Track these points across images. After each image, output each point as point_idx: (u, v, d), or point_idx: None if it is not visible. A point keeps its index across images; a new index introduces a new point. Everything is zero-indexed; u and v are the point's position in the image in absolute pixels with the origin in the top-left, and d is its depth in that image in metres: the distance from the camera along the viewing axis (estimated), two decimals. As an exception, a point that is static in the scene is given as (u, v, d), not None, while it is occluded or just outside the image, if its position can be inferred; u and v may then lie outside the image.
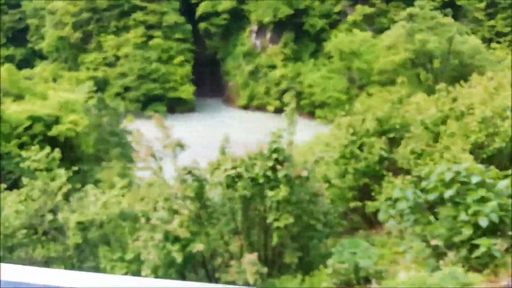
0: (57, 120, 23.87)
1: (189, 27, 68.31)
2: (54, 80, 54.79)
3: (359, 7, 57.41)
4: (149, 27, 65.82)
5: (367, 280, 7.66)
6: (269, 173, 7.01)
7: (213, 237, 7.29)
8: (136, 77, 62.13)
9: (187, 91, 64.32)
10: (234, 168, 7.15)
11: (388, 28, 56.74)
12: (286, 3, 59.31)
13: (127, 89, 62.64)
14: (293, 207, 7.13)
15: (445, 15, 34.17)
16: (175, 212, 7.18)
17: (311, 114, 62.34)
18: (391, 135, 11.54)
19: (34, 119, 22.78)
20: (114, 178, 13.61)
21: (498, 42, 55.10)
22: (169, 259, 6.63)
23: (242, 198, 7.52)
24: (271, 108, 63.88)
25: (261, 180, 6.98)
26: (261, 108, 66.17)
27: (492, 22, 55.41)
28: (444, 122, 11.44)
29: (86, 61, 66.18)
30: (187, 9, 70.18)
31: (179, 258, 6.63)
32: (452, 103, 11.74)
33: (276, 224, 7.01)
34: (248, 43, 67.19)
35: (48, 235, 9.68)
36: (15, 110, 22.34)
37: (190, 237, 6.74)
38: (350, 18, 58.02)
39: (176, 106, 65.60)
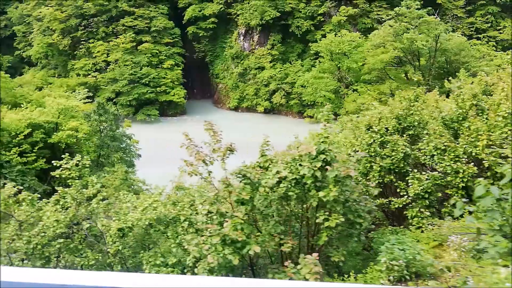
0: (56, 127, 24.72)
1: (177, 31, 69.20)
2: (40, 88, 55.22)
3: (342, 8, 58.90)
4: (138, 32, 66.55)
5: (418, 276, 7.88)
6: (318, 173, 7.08)
7: (263, 238, 7.46)
8: (127, 81, 62.74)
9: (178, 94, 65.17)
10: (282, 170, 7.32)
11: (371, 28, 58.60)
12: (272, 6, 60.50)
13: (118, 93, 63.22)
14: (341, 206, 7.36)
15: (430, 14, 35.71)
16: (223, 215, 7.52)
17: (300, 113, 64.02)
18: (410, 132, 11.85)
19: (34, 126, 23.58)
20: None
21: (478, 38, 57.13)
22: (225, 261, 6.90)
23: (285, 199, 7.69)
24: (261, 108, 65.21)
25: (309, 181, 7.11)
26: (251, 109, 67.41)
27: (471, 19, 57.39)
28: (464, 118, 11.76)
29: (76, 67, 66.63)
30: (175, 14, 71.05)
31: (235, 260, 6.92)
32: (472, 100, 11.86)
33: (326, 223, 7.21)
34: (236, 45, 68.31)
35: (83, 243, 9.99)
36: (14, 118, 23.09)
37: (245, 239, 7.03)
38: (334, 19, 59.45)
39: (168, 109, 66.49)
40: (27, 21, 74.20)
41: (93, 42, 66.63)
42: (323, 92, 31.38)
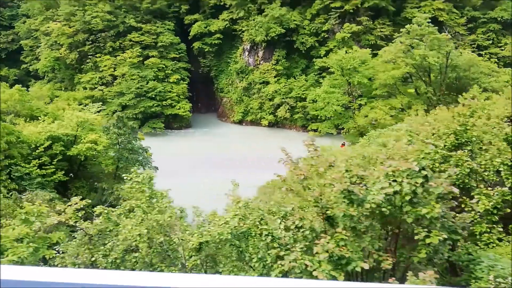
0: (75, 140, 25.18)
1: (183, 46, 70.33)
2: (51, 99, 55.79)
3: (346, 25, 60.17)
4: (145, 47, 67.65)
5: None
6: (419, 190, 6.90)
7: (360, 255, 7.33)
8: (134, 95, 63.49)
9: (183, 108, 65.88)
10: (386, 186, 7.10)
11: (374, 44, 59.80)
12: (277, 23, 61.73)
13: (124, 107, 63.86)
14: (440, 223, 7.26)
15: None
16: (314, 230, 7.47)
17: (304, 127, 64.71)
18: (468, 147, 11.61)
19: (53, 139, 24.05)
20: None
21: (480, 55, 58.32)
22: (328, 279, 6.68)
23: (379, 214, 7.49)
24: (265, 122, 65.95)
25: (407, 197, 6.91)
26: (255, 122, 68.15)
27: (473, 36, 58.62)
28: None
29: (82, 81, 67.43)
30: (181, 29, 72.33)
31: (340, 277, 6.77)
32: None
33: (428, 240, 7.07)
34: (241, 60, 69.36)
35: (156, 257, 9.98)
36: (33, 131, 23.57)
37: (350, 256, 6.94)
38: (338, 35, 60.69)
39: (173, 123, 67.16)
40: (34, 36, 75.33)
41: (100, 57, 67.59)
42: (334, 106, 31.94)
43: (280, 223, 8.27)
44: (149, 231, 9.72)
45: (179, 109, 66.29)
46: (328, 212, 7.74)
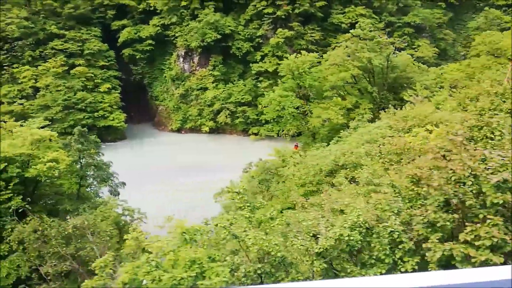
0: (29, 160, 22.80)
1: (112, 53, 66.87)
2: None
3: (279, 30, 62.37)
4: (70, 55, 63.01)
5: None
6: None
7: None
8: (62, 108, 58.82)
9: (118, 118, 62.68)
10: None
11: (305, 49, 62.79)
12: (212, 29, 61.78)
13: (51, 121, 58.66)
14: None
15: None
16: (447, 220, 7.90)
17: (245, 131, 65.62)
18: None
19: (7, 160, 21.53)
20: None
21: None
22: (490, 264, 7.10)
23: None
24: (206, 128, 65.46)
25: None
26: (195, 129, 67.29)
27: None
28: None
29: (-2, 94, 60.57)
30: (107, 36, 68.67)
31: (500, 259, 7.27)
32: None
33: None
34: (175, 67, 68.06)
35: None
36: (-15, 153, 20.87)
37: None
38: (272, 40, 62.67)
39: (106, 135, 63.34)
40: None
41: (18, 67, 61.39)
42: (290, 109, 33.10)
43: (395, 219, 8.63)
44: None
45: (112, 120, 62.92)
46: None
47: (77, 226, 15.54)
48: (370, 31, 34.89)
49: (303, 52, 36.83)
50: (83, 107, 60.85)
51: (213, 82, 64.95)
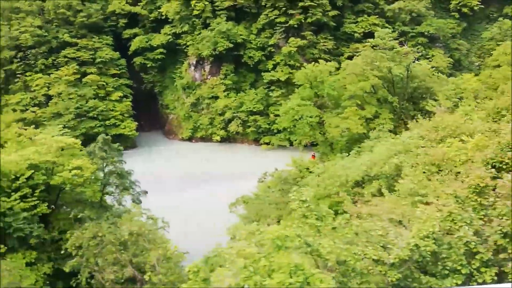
0: (53, 167, 22.52)
1: (123, 62, 67.05)
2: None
3: (292, 39, 62.37)
4: (82, 63, 63.20)
5: None
6: None
7: None
8: (74, 116, 58.80)
9: (129, 127, 62.65)
10: None
11: (318, 58, 62.68)
12: (224, 37, 61.86)
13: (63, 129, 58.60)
14: None
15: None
16: None
17: (256, 141, 65.25)
18: None
19: (34, 168, 21.26)
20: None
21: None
22: None
23: None
24: (217, 137, 65.12)
25: None
26: (206, 138, 67.00)
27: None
28: None
29: (10, 102, 60.75)
30: (119, 44, 68.98)
31: None
32: None
33: None
34: (186, 75, 68.06)
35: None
36: (12, 160, 20.60)
37: None
38: (284, 49, 62.64)
39: (117, 143, 63.00)
40: None
41: (30, 75, 61.60)
42: (308, 119, 32.79)
43: (468, 229, 8.30)
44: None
45: (123, 128, 62.86)
46: None
47: (133, 232, 15.17)
48: (390, 40, 34.68)
49: (321, 61, 36.61)
50: (95, 115, 60.84)
51: (224, 91, 64.79)
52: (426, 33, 62.69)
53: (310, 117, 33.91)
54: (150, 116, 74.86)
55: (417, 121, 24.59)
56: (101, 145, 22.84)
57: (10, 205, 19.60)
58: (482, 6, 66.29)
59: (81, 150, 23.79)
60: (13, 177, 20.39)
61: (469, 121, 20.45)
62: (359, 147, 29.66)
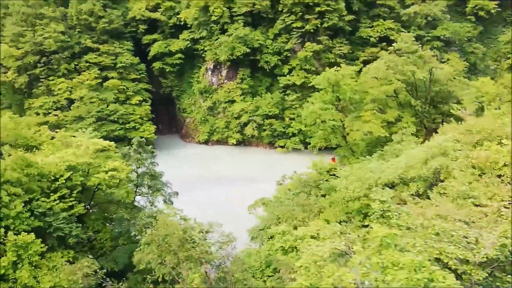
0: (90, 169, 23.60)
1: (143, 66, 68.60)
2: None
3: (308, 44, 63.11)
4: (103, 68, 64.87)
5: None
6: None
7: None
8: (95, 119, 60.37)
9: (148, 130, 63.94)
10: None
11: (334, 62, 63.23)
12: (241, 43, 62.91)
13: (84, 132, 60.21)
14: None
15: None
16: None
17: (271, 144, 66.04)
18: None
19: (71, 169, 22.36)
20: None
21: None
22: None
23: None
24: (233, 141, 66.17)
25: None
26: (221, 142, 68.10)
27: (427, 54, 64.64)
28: None
29: (34, 106, 62.68)
30: (138, 49, 70.57)
31: None
32: None
33: None
34: (204, 80, 69.29)
35: None
36: (52, 162, 21.75)
37: None
38: (300, 54, 63.38)
39: (150, 146, 64.38)
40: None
41: (53, 80, 63.46)
42: (330, 122, 33.46)
43: None
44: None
45: (143, 131, 64.09)
46: None
47: (203, 231, 16.03)
48: (419, 44, 35.26)
49: (342, 65, 37.29)
50: (115, 119, 62.34)
51: (240, 95, 65.83)
52: (442, 37, 62.83)
53: (333, 120, 34.52)
54: (168, 120, 76.38)
55: (443, 125, 25.05)
56: (136, 147, 23.82)
57: (50, 205, 20.69)
58: (499, 9, 66.17)
59: (115, 153, 24.81)
60: (53, 178, 21.51)
61: (502, 125, 20.80)
62: (382, 150, 30.22)
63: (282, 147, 64.58)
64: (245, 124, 65.21)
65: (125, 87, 64.76)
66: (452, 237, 10.57)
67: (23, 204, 19.46)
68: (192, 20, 67.36)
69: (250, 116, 64.43)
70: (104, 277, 19.02)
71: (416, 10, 62.67)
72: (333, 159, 40.49)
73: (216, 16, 65.23)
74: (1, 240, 17.57)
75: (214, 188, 51.74)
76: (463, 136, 18.94)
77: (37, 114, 62.06)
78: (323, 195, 33.85)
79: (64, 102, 62.96)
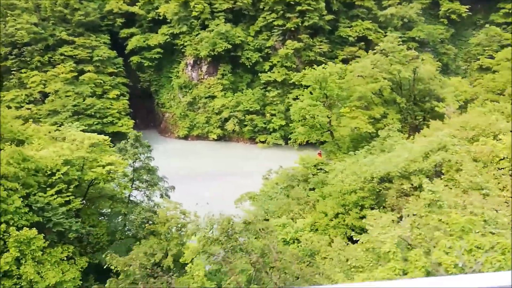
0: (83, 163, 23.16)
1: (120, 60, 67.15)
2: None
3: (289, 42, 63.85)
4: (79, 61, 63.00)
5: None
6: None
7: None
8: (71, 113, 58.65)
9: (126, 124, 62.83)
10: None
11: (314, 60, 64.36)
12: (223, 39, 62.82)
13: (60, 126, 58.34)
14: None
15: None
16: None
17: (252, 139, 66.49)
18: None
19: (67, 163, 21.85)
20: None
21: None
22: None
23: None
24: (213, 136, 66.07)
25: None
26: (202, 137, 67.82)
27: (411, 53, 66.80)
28: None
29: (5, 99, 60.00)
30: (115, 43, 68.97)
31: None
32: None
33: None
34: (183, 75, 68.67)
35: None
36: (47, 156, 21.17)
37: None
38: (281, 51, 64.06)
39: (114, 141, 63.06)
40: None
41: (26, 72, 61.03)
42: (320, 118, 34.25)
43: None
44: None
45: (121, 126, 63.03)
46: None
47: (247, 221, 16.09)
48: (399, 44, 36.55)
49: (330, 63, 38.19)
50: (92, 113, 60.81)
51: (221, 91, 65.76)
52: (417, 38, 65.21)
53: (322, 117, 35.26)
54: (145, 115, 75.10)
55: (424, 122, 26.18)
56: (133, 141, 23.55)
57: (47, 200, 20.20)
58: (470, 13, 69.42)
59: (111, 147, 24.41)
60: (49, 172, 20.99)
61: (496, 121, 22.00)
62: (368, 146, 31.28)
63: (263, 142, 65.15)
64: (226, 120, 65.26)
65: (102, 81, 63.21)
66: (497, 224, 11.41)
67: (21, 199, 18.92)
68: (172, 15, 66.53)
69: (231, 112, 64.53)
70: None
71: (393, 12, 64.72)
72: (320, 154, 41.39)
73: (196, 11, 64.75)
74: (1, 235, 17.04)
75: (194, 183, 51.59)
76: (459, 132, 20.03)
77: (9, 107, 59.51)
78: (312, 189, 34.73)
79: (38, 96, 60.74)
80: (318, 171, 35.45)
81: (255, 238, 16.40)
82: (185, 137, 68.29)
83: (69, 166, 21.43)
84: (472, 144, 19.22)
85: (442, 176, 18.04)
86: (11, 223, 17.87)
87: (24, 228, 17.51)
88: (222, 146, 66.42)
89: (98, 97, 62.48)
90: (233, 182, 50.11)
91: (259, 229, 16.34)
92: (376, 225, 12.43)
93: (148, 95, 73.63)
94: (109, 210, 23.93)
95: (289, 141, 59.03)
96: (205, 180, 52.54)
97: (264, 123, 64.75)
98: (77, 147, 22.57)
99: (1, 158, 19.19)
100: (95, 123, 60.51)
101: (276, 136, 63.95)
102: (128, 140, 24.11)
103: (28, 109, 59.82)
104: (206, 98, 66.53)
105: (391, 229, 11.74)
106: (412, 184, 18.60)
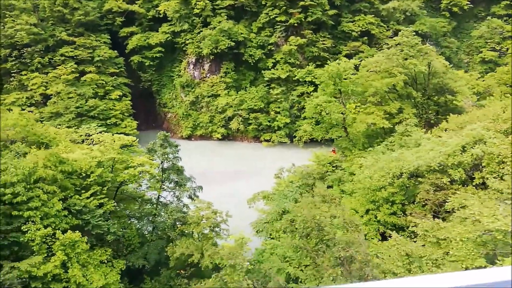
0: (113, 165, 22.77)
1: (121, 60, 66.31)
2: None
3: (292, 38, 63.68)
4: (79, 62, 62.07)
5: None
6: None
7: None
8: (74, 115, 57.78)
9: (130, 125, 62.17)
10: None
11: (317, 56, 64.30)
12: (226, 36, 62.38)
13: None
14: None
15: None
16: None
17: (256, 138, 66.21)
18: None
19: (100, 165, 21.44)
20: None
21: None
22: None
23: None
24: (218, 135, 65.61)
25: None
26: (205, 137, 67.33)
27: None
28: None
29: (6, 102, 58.85)
30: (116, 42, 68.07)
31: None
32: None
33: None
34: (185, 74, 68.08)
35: None
36: (81, 158, 20.74)
37: None
38: (284, 47, 63.85)
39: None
40: None
41: (26, 74, 59.93)
42: (335, 115, 34.16)
43: None
44: None
45: (124, 127, 62.28)
46: None
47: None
48: (414, 38, 36.62)
49: (343, 58, 38.10)
50: (95, 115, 60.01)
51: (224, 89, 65.32)
52: (419, 31, 65.52)
53: (338, 113, 35.14)
54: (147, 115, 74.37)
55: (438, 116, 26.08)
56: (161, 141, 23.17)
57: (84, 202, 19.81)
58: (471, 5, 69.99)
59: (140, 148, 24.01)
60: (84, 175, 20.57)
61: None
62: (387, 141, 31.27)
63: (267, 141, 64.91)
64: (230, 119, 64.86)
65: (103, 82, 62.39)
66: None
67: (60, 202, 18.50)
68: (173, 13, 65.86)
69: (235, 110, 64.14)
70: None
71: (395, 6, 64.95)
72: (334, 151, 41.33)
73: (198, 9, 64.18)
74: (46, 240, 16.61)
75: (204, 184, 51.22)
76: (492, 125, 20.07)
77: (10, 110, 58.38)
78: (329, 186, 34.59)
79: (39, 98, 59.72)
80: (334, 168, 35.38)
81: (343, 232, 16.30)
82: (189, 137, 67.73)
83: (102, 168, 21.04)
84: (508, 137, 19.28)
85: (483, 169, 18.09)
86: (52, 226, 17.46)
87: (69, 231, 17.11)
88: (227, 145, 66.04)
89: (100, 98, 61.66)
90: (245, 181, 49.87)
91: (344, 222, 16.25)
92: (475, 203, 12.24)
93: (148, 95, 72.90)
94: (136, 212, 23.52)
95: (294, 139, 59.44)
96: (214, 180, 52.19)
97: (269, 121, 64.52)
98: (106, 148, 22.13)
99: (37, 161, 18.72)
100: (98, 125, 59.59)
101: (281, 134, 63.79)
102: (157, 140, 23.72)
103: (30, 111, 58.70)
104: (209, 97, 66.03)
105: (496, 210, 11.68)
106: (450, 178, 18.59)
